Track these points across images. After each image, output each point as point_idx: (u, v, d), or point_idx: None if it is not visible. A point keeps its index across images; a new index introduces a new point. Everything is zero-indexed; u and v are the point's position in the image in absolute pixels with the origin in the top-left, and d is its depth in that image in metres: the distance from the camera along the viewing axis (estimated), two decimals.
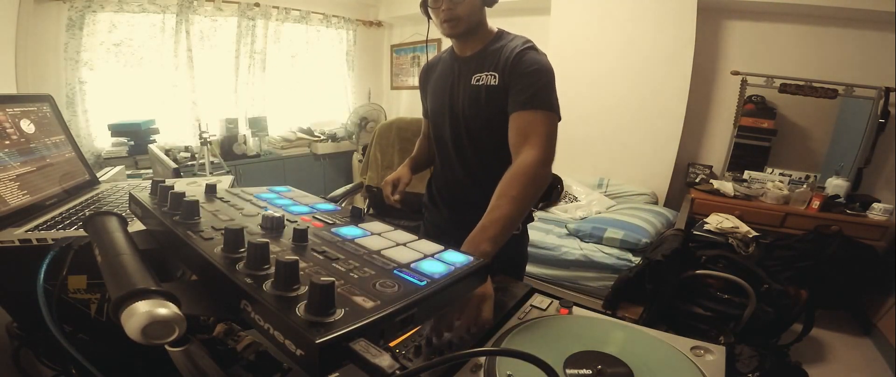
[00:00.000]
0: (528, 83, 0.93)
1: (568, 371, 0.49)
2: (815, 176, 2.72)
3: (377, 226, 0.56)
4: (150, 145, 2.19)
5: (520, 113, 0.92)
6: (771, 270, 1.98)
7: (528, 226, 1.20)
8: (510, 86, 0.96)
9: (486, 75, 0.99)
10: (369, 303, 0.34)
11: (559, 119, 0.94)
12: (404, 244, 0.50)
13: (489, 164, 1.03)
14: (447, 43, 1.11)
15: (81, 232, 0.48)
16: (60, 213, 0.71)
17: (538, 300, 0.71)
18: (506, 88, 0.97)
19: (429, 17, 1.04)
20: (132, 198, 0.57)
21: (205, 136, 2.95)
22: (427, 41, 1.16)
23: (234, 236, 0.41)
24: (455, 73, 1.06)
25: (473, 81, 1.01)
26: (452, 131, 1.08)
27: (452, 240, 0.72)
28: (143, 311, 0.30)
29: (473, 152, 1.07)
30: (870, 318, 2.38)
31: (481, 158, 1.07)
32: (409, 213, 2.53)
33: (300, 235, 0.46)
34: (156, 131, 3.06)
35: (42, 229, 0.64)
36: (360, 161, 3.42)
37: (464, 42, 1.04)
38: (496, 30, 1.05)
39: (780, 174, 2.77)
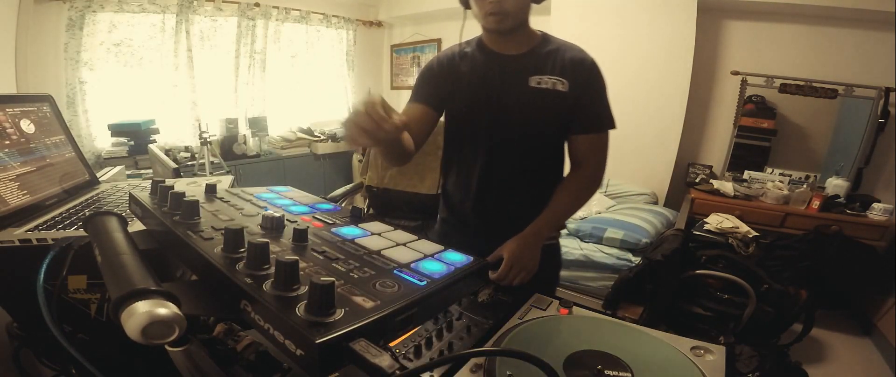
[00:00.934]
0: (602, 103, 0.98)
1: (568, 371, 0.49)
2: (815, 176, 2.73)
3: (377, 226, 0.56)
4: (150, 145, 2.19)
5: (597, 135, 0.98)
6: (771, 270, 1.98)
7: None
8: (581, 97, 0.95)
9: (551, 79, 0.94)
10: (369, 304, 0.34)
11: None
12: (404, 244, 0.50)
13: (529, 169, 1.01)
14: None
15: (81, 232, 0.48)
16: (60, 213, 0.71)
17: (538, 300, 0.71)
18: (575, 97, 0.94)
19: (466, 7, 0.98)
20: (132, 198, 0.57)
21: (205, 136, 2.95)
22: (461, 36, 1.03)
23: (234, 236, 0.41)
24: (499, 71, 0.96)
25: (533, 83, 0.94)
26: (495, 131, 0.98)
27: (476, 246, 0.80)
28: (144, 311, 0.30)
29: (518, 155, 1.00)
30: (870, 318, 2.38)
31: (523, 162, 1.00)
32: (409, 214, 2.53)
33: (300, 235, 0.46)
34: (156, 131, 3.06)
35: (42, 229, 0.64)
36: (360, 161, 3.42)
37: (507, 39, 0.97)
38: (540, 31, 1.00)
39: (780, 174, 2.77)
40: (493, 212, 1.03)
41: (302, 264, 0.39)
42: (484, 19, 0.93)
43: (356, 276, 0.39)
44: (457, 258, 0.47)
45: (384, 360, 0.28)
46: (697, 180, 2.95)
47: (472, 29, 0.99)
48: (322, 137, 3.89)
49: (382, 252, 0.46)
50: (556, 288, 1.16)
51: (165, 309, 0.31)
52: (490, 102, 0.97)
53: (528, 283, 0.88)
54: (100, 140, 2.98)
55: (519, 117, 0.96)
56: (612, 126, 0.99)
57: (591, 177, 1.00)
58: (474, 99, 0.98)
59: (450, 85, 1.00)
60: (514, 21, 0.92)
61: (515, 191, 1.01)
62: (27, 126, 0.79)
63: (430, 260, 0.46)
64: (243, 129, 3.51)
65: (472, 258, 0.48)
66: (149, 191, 0.57)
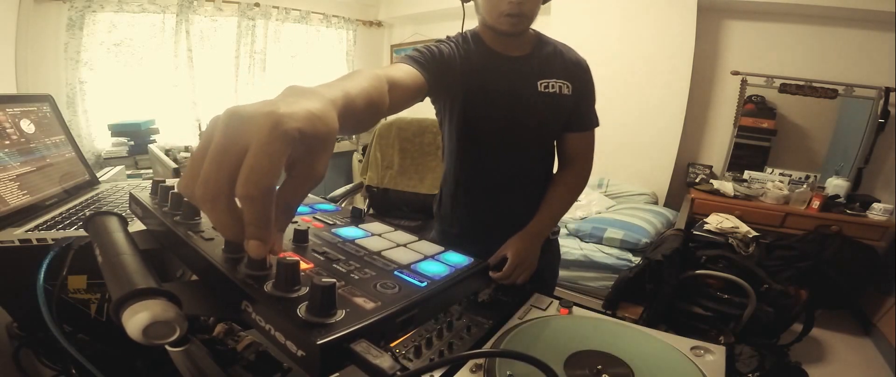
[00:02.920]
0: (593, 100, 1.01)
1: (568, 371, 0.49)
2: (815, 176, 2.73)
3: (377, 226, 0.56)
4: (150, 145, 2.19)
5: (588, 133, 1.01)
6: (771, 270, 1.98)
7: None
8: (580, 100, 0.96)
9: (557, 83, 0.93)
10: (370, 305, 0.34)
11: None
12: (405, 245, 0.50)
13: (532, 170, 1.02)
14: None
15: (81, 232, 0.48)
16: (60, 213, 0.71)
17: (538, 300, 0.71)
18: (577, 100, 0.96)
19: (466, 0, 0.96)
20: (132, 198, 0.57)
21: None
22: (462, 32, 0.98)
23: None
24: (506, 74, 0.92)
25: (542, 87, 0.92)
26: (511, 135, 0.95)
27: (480, 244, 0.82)
28: (144, 312, 0.30)
29: (526, 158, 0.99)
30: (870, 318, 2.38)
31: (528, 164, 1.01)
32: (409, 214, 2.53)
33: (300, 236, 0.46)
34: (156, 131, 3.06)
35: (42, 229, 0.64)
36: (360, 161, 3.42)
37: (509, 40, 0.93)
38: (532, 30, 0.97)
39: (780, 174, 2.78)
40: (493, 213, 1.02)
41: (302, 265, 0.39)
42: (497, 20, 0.87)
43: (357, 277, 0.39)
44: (457, 259, 0.47)
45: (385, 361, 0.28)
46: (697, 180, 2.95)
47: (472, 26, 0.96)
48: None
49: (383, 253, 0.46)
50: (555, 284, 1.17)
51: (166, 309, 0.31)
52: (501, 106, 0.93)
53: (531, 281, 0.90)
54: (100, 140, 2.98)
55: (530, 122, 0.94)
56: (598, 123, 1.03)
57: (583, 173, 1.03)
58: (491, 105, 0.93)
59: (457, 83, 0.91)
60: (528, 24, 0.89)
61: (517, 193, 1.01)
62: (27, 126, 0.79)
63: (431, 261, 0.46)
64: None
65: (472, 259, 0.48)
66: (149, 191, 0.57)
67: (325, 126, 0.31)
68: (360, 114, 0.45)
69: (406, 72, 0.76)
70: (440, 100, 0.97)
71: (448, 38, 0.93)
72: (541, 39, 0.97)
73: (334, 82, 0.45)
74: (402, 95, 0.72)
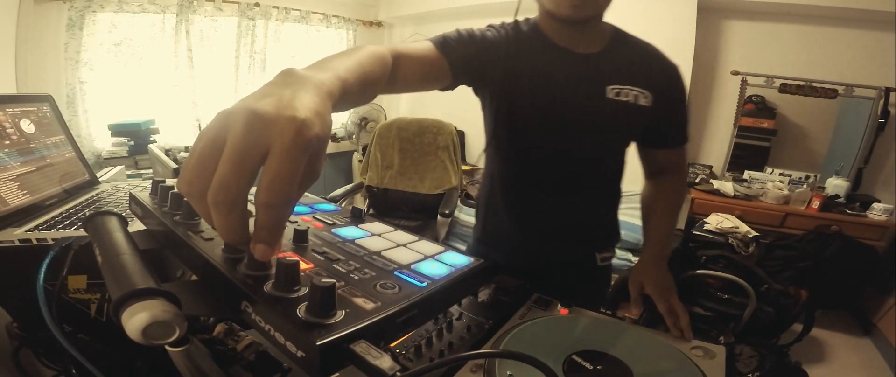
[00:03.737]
0: (685, 116, 0.86)
1: (568, 371, 0.49)
2: (815, 176, 2.73)
3: (377, 226, 0.56)
4: (150, 145, 2.19)
5: (679, 150, 0.89)
6: (771, 270, 1.99)
7: None
8: (666, 114, 0.81)
9: (633, 91, 0.76)
10: (370, 305, 0.34)
11: None
12: (405, 245, 0.50)
13: (589, 186, 0.87)
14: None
15: (81, 232, 0.48)
16: (60, 213, 0.71)
17: (538, 300, 0.71)
18: (658, 114, 0.79)
19: None
20: (132, 198, 0.57)
21: None
22: (515, 17, 0.83)
23: None
24: (568, 73, 0.77)
25: (612, 94, 0.76)
26: (564, 147, 0.81)
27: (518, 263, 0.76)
28: (144, 312, 0.30)
29: (581, 171, 0.84)
30: (870, 318, 2.38)
31: (586, 182, 0.86)
32: (409, 214, 2.54)
33: (300, 236, 0.46)
34: (156, 131, 3.06)
35: (42, 229, 0.64)
36: (360, 161, 3.42)
37: (578, 32, 0.77)
38: (610, 25, 0.82)
39: (780, 174, 2.78)
40: (541, 230, 0.89)
41: (302, 265, 0.39)
42: (557, 5, 0.71)
43: (357, 278, 0.39)
44: (457, 259, 0.47)
45: (385, 362, 0.28)
46: (697, 180, 2.95)
47: (528, 10, 0.80)
48: None
49: (383, 253, 0.46)
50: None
51: (166, 309, 0.31)
52: (556, 111, 0.78)
53: (574, 298, 0.70)
54: (100, 140, 2.98)
55: (591, 133, 0.79)
56: (687, 139, 0.89)
57: (680, 186, 0.93)
58: (537, 104, 0.78)
59: (497, 74, 0.77)
60: (596, 10, 0.73)
61: (557, 209, 0.87)
62: (27, 126, 0.79)
63: (431, 261, 0.46)
64: None
65: (472, 259, 0.48)
66: (149, 191, 0.57)
67: (327, 125, 0.31)
68: (353, 95, 0.44)
69: (423, 49, 0.69)
70: (478, 91, 0.84)
71: (501, 24, 0.81)
72: (620, 36, 0.81)
73: (329, 62, 0.44)
74: (412, 72, 0.66)
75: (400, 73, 0.62)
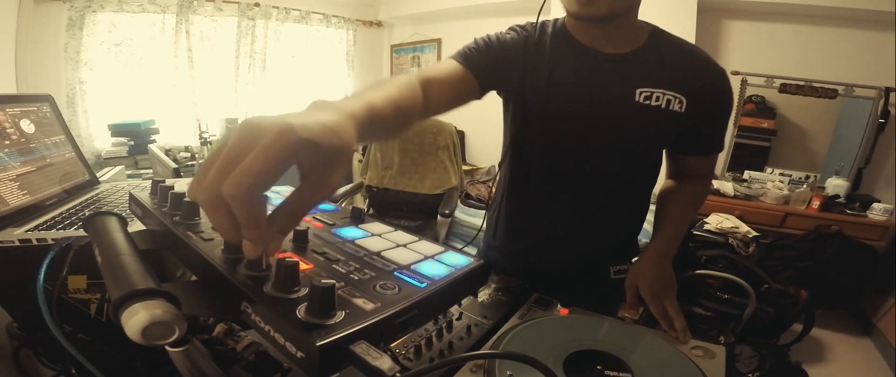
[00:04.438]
0: (725, 124, 0.80)
1: (568, 371, 0.49)
2: (815, 176, 2.73)
3: (377, 227, 0.56)
4: (150, 145, 2.19)
5: (711, 157, 0.84)
6: (771, 270, 1.99)
7: None
8: (704, 119, 0.76)
9: (665, 95, 0.71)
10: (370, 306, 0.34)
11: None
12: (404, 245, 0.50)
13: (612, 198, 0.82)
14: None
15: (81, 232, 0.48)
16: (60, 213, 0.71)
17: (538, 300, 0.71)
18: (693, 119, 0.74)
19: None
20: (132, 198, 0.57)
21: (205, 136, 2.95)
22: (539, 18, 0.79)
23: None
24: (593, 74, 0.74)
25: (640, 98, 0.72)
26: (586, 152, 0.77)
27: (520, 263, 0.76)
28: (144, 312, 0.30)
29: (605, 182, 0.80)
30: (870, 318, 2.38)
31: (611, 191, 0.81)
32: (409, 214, 2.54)
33: (300, 236, 0.46)
34: (156, 131, 3.06)
35: (42, 229, 0.64)
36: (360, 161, 3.42)
37: (605, 31, 0.73)
38: (648, 25, 0.78)
39: (780, 174, 2.78)
40: (555, 238, 0.86)
41: (302, 266, 0.39)
42: (570, 2, 0.68)
43: (356, 278, 0.39)
44: (457, 260, 0.47)
45: (385, 363, 0.28)
46: None
47: (555, 11, 0.77)
48: None
49: (383, 253, 0.46)
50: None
51: (166, 310, 0.31)
52: (577, 114, 0.74)
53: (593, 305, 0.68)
54: (100, 140, 2.98)
55: (616, 139, 0.75)
56: (722, 147, 0.84)
57: (704, 189, 0.89)
58: (555, 106, 0.75)
59: (518, 75, 0.75)
60: (607, 6, 0.67)
61: (586, 219, 0.84)
62: (27, 126, 0.79)
63: (431, 261, 0.46)
64: None
65: (472, 260, 0.48)
66: (149, 191, 0.57)
67: (338, 139, 0.31)
68: (386, 122, 0.45)
69: (448, 69, 0.70)
70: (501, 94, 0.82)
71: (521, 26, 0.79)
72: (657, 36, 0.76)
73: (360, 92, 0.45)
74: (442, 94, 0.66)
75: (432, 99, 0.62)
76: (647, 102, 0.72)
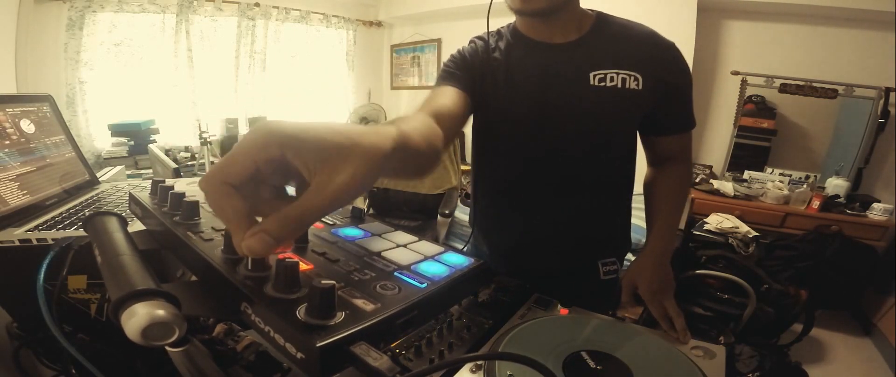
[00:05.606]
0: (687, 98, 0.80)
1: (567, 371, 0.49)
2: (815, 176, 2.73)
3: (377, 227, 0.56)
4: (150, 145, 2.19)
5: (682, 135, 0.84)
6: (771, 270, 1.99)
7: None
8: (664, 96, 0.76)
9: (620, 74, 0.73)
10: (370, 306, 0.34)
11: None
12: (405, 245, 0.50)
13: (586, 184, 0.82)
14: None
15: (81, 232, 0.48)
16: (60, 213, 0.71)
17: (538, 300, 0.71)
18: (653, 96, 0.75)
19: None
20: (132, 198, 0.57)
21: (205, 136, 2.95)
22: (488, 21, 0.81)
23: None
24: (545, 66, 0.76)
25: (595, 81, 0.73)
26: (551, 143, 0.78)
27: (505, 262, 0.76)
28: (143, 313, 0.30)
29: (574, 169, 0.80)
30: (870, 318, 2.38)
31: (580, 177, 0.81)
32: (409, 214, 2.53)
33: (300, 236, 0.46)
34: (156, 131, 3.06)
35: (42, 229, 0.64)
36: None
37: (550, 23, 0.76)
38: (593, 11, 0.79)
39: (780, 174, 2.77)
40: (534, 237, 0.86)
41: (302, 266, 0.39)
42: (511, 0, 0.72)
43: (357, 279, 0.39)
44: (457, 260, 0.47)
45: (385, 363, 0.28)
46: (697, 180, 2.95)
47: (501, 15, 0.79)
48: None
49: (383, 253, 0.46)
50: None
51: (165, 310, 0.31)
52: (535, 105, 0.76)
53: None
54: (100, 140, 2.98)
55: (578, 125, 0.76)
56: (693, 124, 0.84)
57: (684, 175, 0.88)
58: (514, 101, 0.77)
59: (481, 79, 0.78)
60: (549, 1, 0.70)
61: (563, 213, 0.84)
62: (27, 126, 0.79)
63: (431, 261, 0.46)
64: (243, 129, 3.51)
65: (472, 260, 0.48)
66: (149, 191, 0.57)
67: (344, 138, 0.28)
68: (419, 151, 0.38)
69: (449, 97, 0.71)
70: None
71: (479, 36, 0.82)
72: (603, 21, 0.78)
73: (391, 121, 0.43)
74: (454, 122, 0.69)
75: (450, 134, 0.64)
76: (603, 84, 0.74)
